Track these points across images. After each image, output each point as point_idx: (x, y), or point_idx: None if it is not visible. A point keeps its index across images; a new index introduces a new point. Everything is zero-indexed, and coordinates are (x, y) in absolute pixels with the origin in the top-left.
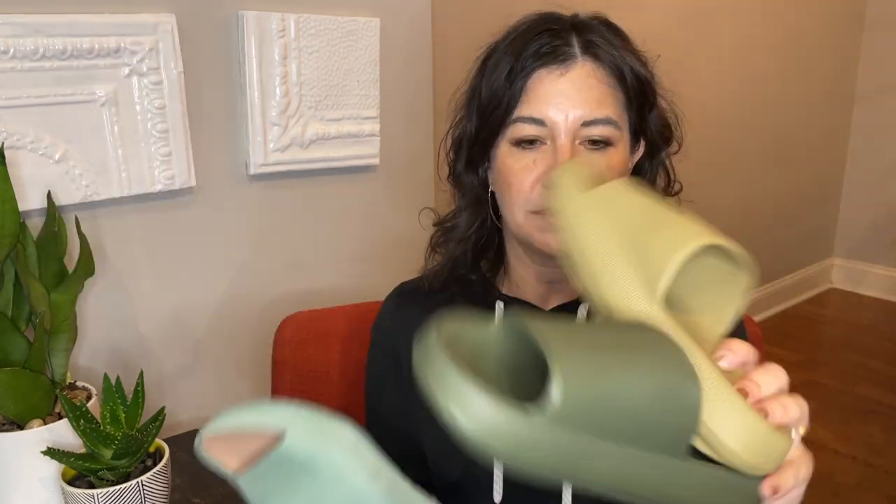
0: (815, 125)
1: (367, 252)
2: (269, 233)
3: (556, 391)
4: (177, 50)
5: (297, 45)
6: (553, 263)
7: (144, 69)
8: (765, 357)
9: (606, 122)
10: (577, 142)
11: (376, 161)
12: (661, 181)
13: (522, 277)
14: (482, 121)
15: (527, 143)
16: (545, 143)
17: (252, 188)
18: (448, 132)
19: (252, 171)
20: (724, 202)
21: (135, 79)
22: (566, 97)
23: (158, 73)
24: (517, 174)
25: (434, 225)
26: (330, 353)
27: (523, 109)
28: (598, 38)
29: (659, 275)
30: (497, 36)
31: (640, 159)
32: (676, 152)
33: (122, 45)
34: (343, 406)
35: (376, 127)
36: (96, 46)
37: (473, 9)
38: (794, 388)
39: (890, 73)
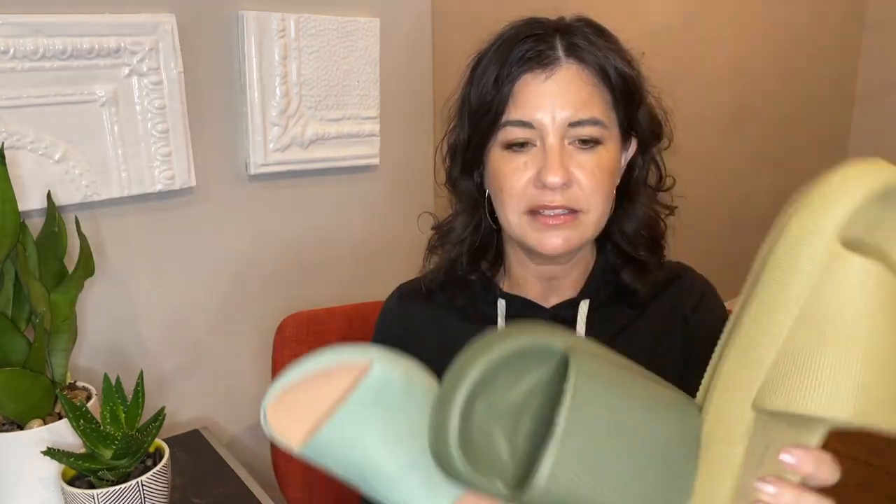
0: (815, 125)
1: (367, 252)
2: (269, 233)
3: (540, 477)
4: (177, 50)
5: (297, 45)
6: (552, 263)
7: (144, 69)
8: None
9: (593, 122)
10: (566, 142)
11: (376, 161)
12: (652, 177)
13: (522, 276)
14: (473, 127)
15: (517, 146)
16: (535, 145)
17: (252, 188)
18: (443, 139)
19: (252, 170)
20: (723, 202)
21: (135, 79)
22: (552, 98)
23: (158, 73)
24: (509, 177)
25: (432, 229)
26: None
27: (511, 114)
28: (581, 41)
29: None
30: (484, 44)
31: (632, 157)
32: (667, 147)
33: (122, 45)
34: None
35: (376, 127)
36: (96, 46)
37: (473, 9)
38: None
39: (890, 73)
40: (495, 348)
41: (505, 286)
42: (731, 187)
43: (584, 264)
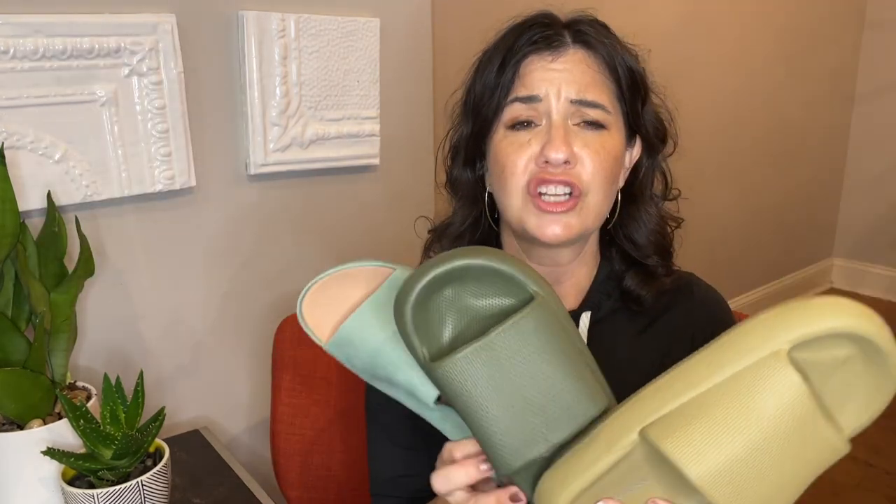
0: (815, 125)
1: (367, 252)
2: (270, 233)
3: (451, 359)
4: (177, 50)
5: (297, 45)
6: (552, 261)
7: (144, 69)
8: None
9: (597, 105)
10: (570, 122)
11: (376, 161)
12: (658, 184)
13: None
14: (476, 115)
15: (521, 125)
16: (539, 125)
17: (252, 188)
18: (444, 139)
19: (252, 171)
20: (723, 203)
21: (135, 79)
22: (558, 75)
23: (158, 73)
24: (511, 155)
25: (429, 232)
26: (330, 355)
27: (517, 91)
28: (589, 30)
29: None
30: (489, 42)
31: (638, 162)
32: (672, 153)
33: (122, 45)
34: (343, 408)
35: (376, 127)
36: (96, 46)
37: (473, 9)
38: None
39: (890, 73)
40: (484, 256)
41: None
42: (729, 187)
43: (586, 269)
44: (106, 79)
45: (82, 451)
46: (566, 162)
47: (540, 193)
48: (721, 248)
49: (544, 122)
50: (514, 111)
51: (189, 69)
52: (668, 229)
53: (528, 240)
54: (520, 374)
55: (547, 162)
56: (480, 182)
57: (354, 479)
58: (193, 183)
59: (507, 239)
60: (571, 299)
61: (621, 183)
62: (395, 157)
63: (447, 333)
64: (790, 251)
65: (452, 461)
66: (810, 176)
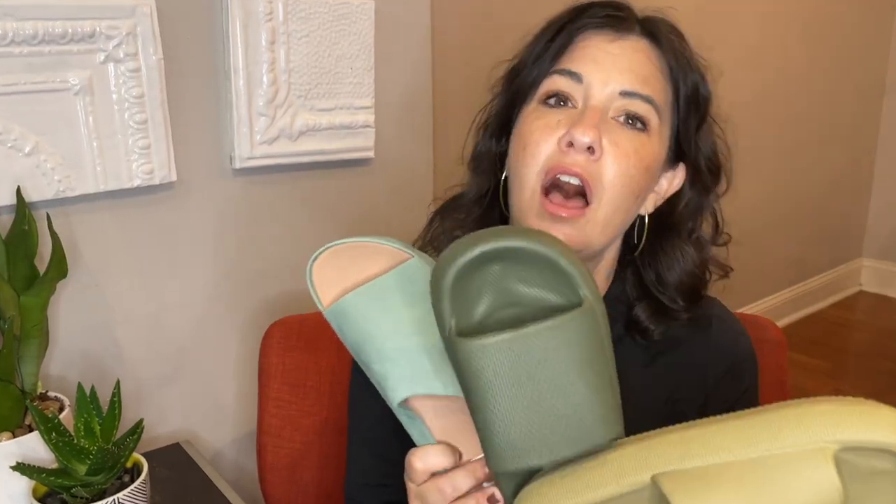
0: (843, 117)
1: None
2: (256, 231)
3: (479, 340)
4: (156, 35)
5: (285, 29)
6: None
7: (121, 55)
8: (788, 364)
9: (647, 99)
10: (610, 113)
11: (371, 154)
12: (707, 226)
13: None
14: (512, 82)
15: (556, 99)
16: (575, 107)
17: (237, 183)
18: (479, 113)
19: (237, 164)
20: (744, 201)
21: (111, 65)
22: (612, 59)
23: (136, 59)
24: (535, 132)
25: (436, 212)
26: (320, 361)
27: (563, 62)
28: (662, 29)
29: None
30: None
31: (679, 192)
32: (725, 192)
33: (98, 29)
34: (336, 418)
35: (371, 117)
36: (70, 31)
37: None
38: None
39: None
40: (546, 244)
41: None
42: (751, 184)
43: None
44: (80, 65)
45: (54, 466)
46: (590, 149)
47: (548, 191)
48: (742, 248)
49: (580, 104)
50: (552, 83)
51: (169, 55)
52: (708, 276)
53: None
54: (546, 379)
55: (571, 145)
56: (500, 160)
57: None
58: (174, 177)
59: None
60: None
61: (651, 208)
62: (391, 150)
63: (480, 310)
64: (816, 252)
65: (427, 470)
66: (837, 172)
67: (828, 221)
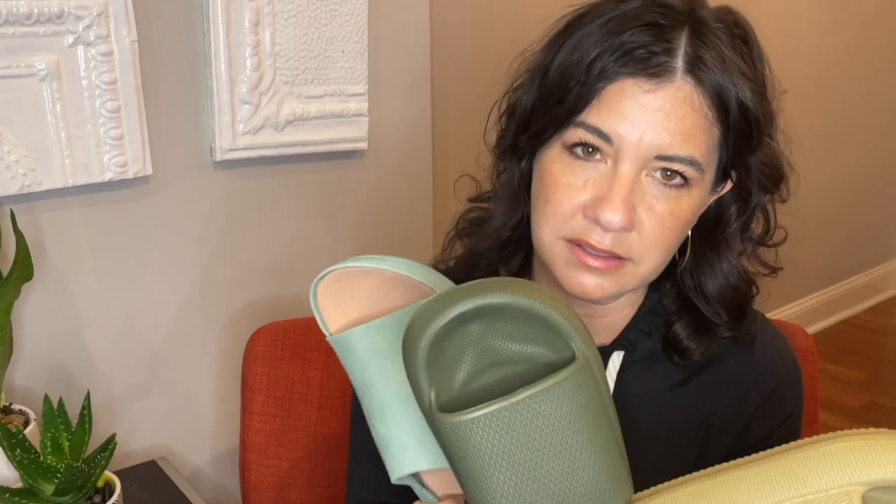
0: (875, 107)
1: (354, 251)
2: (239, 229)
3: (465, 416)
4: (130, 15)
5: (270, 9)
6: (578, 302)
7: (92, 37)
8: (819, 375)
9: (689, 162)
10: (644, 173)
11: (364, 145)
12: (757, 226)
13: None
14: (539, 108)
15: (583, 149)
16: (604, 162)
17: (218, 177)
18: (504, 95)
19: (218, 157)
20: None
21: (80, 48)
22: (649, 116)
23: (108, 42)
24: (559, 191)
25: (469, 200)
26: (309, 372)
27: (591, 115)
28: (709, 53)
29: None
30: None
31: (724, 197)
32: (784, 201)
33: (66, 9)
34: (326, 434)
35: (364, 105)
36: (35, 11)
37: None
38: (853, 411)
39: None
40: (529, 295)
41: None
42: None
43: (628, 304)
44: (47, 49)
45: (19, 485)
46: (622, 227)
47: (579, 244)
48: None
49: (609, 163)
50: (579, 134)
51: (144, 38)
52: (754, 286)
53: (552, 274)
54: (542, 450)
55: (597, 220)
56: (526, 178)
57: None
58: (149, 171)
59: (538, 257)
60: (603, 336)
61: (689, 230)
62: (385, 141)
63: (461, 375)
64: (849, 252)
65: None
66: (871, 166)
67: (861, 220)
